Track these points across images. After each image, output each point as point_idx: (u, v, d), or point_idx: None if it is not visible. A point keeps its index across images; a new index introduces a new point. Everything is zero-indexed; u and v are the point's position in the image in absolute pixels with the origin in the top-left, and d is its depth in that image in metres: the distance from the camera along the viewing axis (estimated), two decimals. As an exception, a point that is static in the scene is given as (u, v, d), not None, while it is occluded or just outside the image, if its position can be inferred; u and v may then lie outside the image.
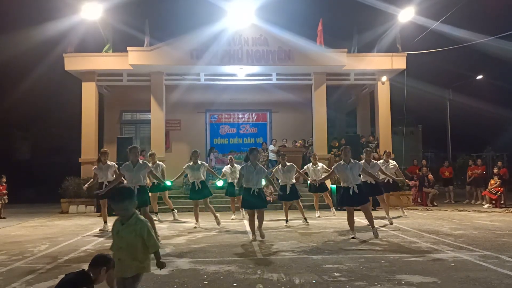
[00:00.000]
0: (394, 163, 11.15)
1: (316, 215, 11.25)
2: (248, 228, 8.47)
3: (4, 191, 12.70)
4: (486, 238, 7.67)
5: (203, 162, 10.02)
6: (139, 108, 17.65)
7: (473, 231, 8.53)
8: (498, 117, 27.49)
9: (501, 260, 5.85)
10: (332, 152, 15.89)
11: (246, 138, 18.56)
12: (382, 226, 9.26)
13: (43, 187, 17.75)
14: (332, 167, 8.41)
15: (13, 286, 4.90)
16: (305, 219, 9.79)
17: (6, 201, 12.76)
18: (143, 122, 17.79)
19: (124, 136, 16.63)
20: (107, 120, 17.90)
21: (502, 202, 13.89)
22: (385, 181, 10.62)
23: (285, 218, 9.96)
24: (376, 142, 16.02)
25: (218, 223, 9.43)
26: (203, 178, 9.60)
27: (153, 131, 15.31)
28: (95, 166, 9.68)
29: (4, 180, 12.78)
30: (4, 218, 12.25)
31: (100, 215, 11.66)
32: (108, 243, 7.66)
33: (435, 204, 14.43)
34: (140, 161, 7.79)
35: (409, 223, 9.84)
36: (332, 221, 10.23)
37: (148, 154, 11.25)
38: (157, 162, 10.53)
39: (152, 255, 3.49)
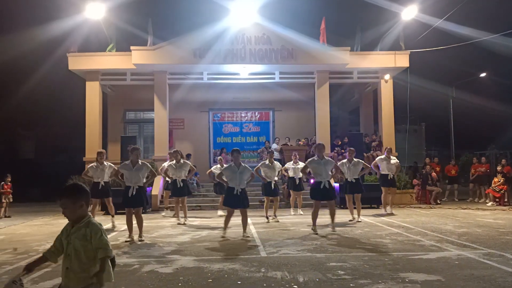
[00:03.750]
0: (396, 159, 11.57)
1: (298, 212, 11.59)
2: (253, 228, 8.51)
3: (9, 190, 12.77)
4: (490, 236, 7.66)
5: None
6: (142, 107, 17.72)
7: (477, 229, 8.51)
8: (502, 114, 27.37)
9: (505, 258, 5.84)
10: (335, 151, 15.88)
11: (249, 137, 18.59)
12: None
13: (47, 186, 17.82)
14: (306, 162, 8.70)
15: (19, 284, 4.93)
16: (276, 216, 10.29)
17: (11, 200, 12.83)
18: (147, 121, 17.86)
19: (128, 135, 16.69)
20: (111, 119, 17.97)
21: (506, 200, 13.85)
22: (389, 177, 11.26)
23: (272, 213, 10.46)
24: (378, 140, 16.00)
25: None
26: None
27: (157, 130, 15.36)
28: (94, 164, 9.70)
29: (9, 179, 12.84)
30: (9, 217, 12.32)
31: (104, 214, 11.80)
32: (113, 241, 7.70)
33: (439, 202, 14.42)
34: (140, 162, 7.89)
35: (413, 221, 9.84)
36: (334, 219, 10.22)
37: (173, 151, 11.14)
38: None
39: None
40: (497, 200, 13.82)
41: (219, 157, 12.38)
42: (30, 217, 12.18)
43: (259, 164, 10.65)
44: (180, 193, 10.14)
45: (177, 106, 16.83)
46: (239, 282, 4.86)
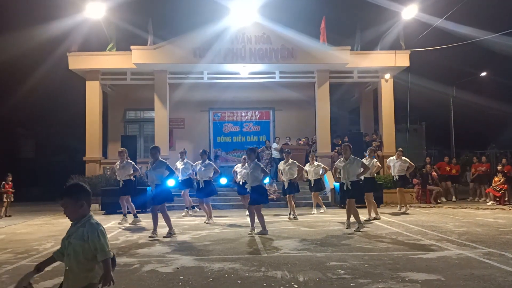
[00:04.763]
0: (407, 160, 11.57)
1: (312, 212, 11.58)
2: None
3: (11, 190, 12.78)
4: (490, 236, 7.66)
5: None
6: (142, 107, 17.72)
7: (477, 229, 8.52)
8: (502, 114, 27.37)
9: (505, 258, 5.85)
10: (336, 150, 15.88)
11: (250, 136, 18.59)
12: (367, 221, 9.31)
13: (47, 185, 17.83)
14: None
15: (19, 284, 4.94)
16: (290, 214, 10.31)
17: (12, 199, 12.84)
18: (147, 121, 17.86)
19: (128, 134, 16.69)
20: (111, 118, 17.97)
21: (506, 199, 13.86)
22: (395, 179, 11.52)
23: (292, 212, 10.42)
24: (379, 140, 15.99)
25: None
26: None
27: (157, 130, 15.36)
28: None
29: (10, 178, 12.86)
30: (9, 216, 12.33)
31: (105, 213, 11.81)
32: (113, 240, 7.71)
33: (439, 201, 14.43)
34: (158, 161, 8.00)
35: (413, 221, 9.84)
36: (335, 218, 10.24)
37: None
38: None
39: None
40: (497, 199, 13.82)
41: (243, 156, 12.30)
42: (30, 216, 12.18)
43: (279, 164, 10.78)
44: (202, 194, 10.12)
45: (177, 105, 16.82)
46: (239, 282, 4.87)
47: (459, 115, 24.96)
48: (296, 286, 4.67)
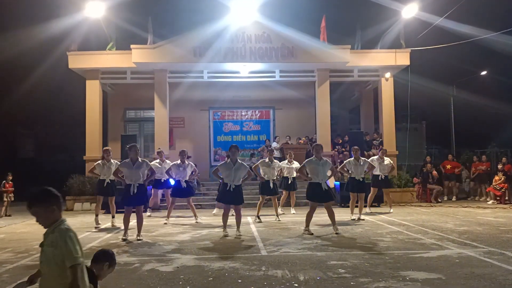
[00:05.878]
0: (389, 160, 11.60)
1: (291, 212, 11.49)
2: (253, 225, 8.51)
3: (11, 189, 12.78)
4: (490, 235, 7.66)
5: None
6: (142, 106, 17.71)
7: (478, 228, 8.51)
8: (503, 113, 27.32)
9: (506, 256, 5.84)
10: (336, 149, 15.90)
11: (250, 136, 18.59)
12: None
13: (47, 185, 17.84)
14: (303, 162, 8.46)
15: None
16: (277, 216, 10.18)
17: (12, 198, 12.84)
18: (147, 120, 17.85)
19: (128, 133, 16.68)
20: (111, 118, 17.96)
21: (507, 198, 13.85)
22: (379, 178, 11.33)
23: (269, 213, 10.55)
24: (380, 139, 15.99)
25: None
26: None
27: (157, 129, 15.35)
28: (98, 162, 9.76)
29: (10, 178, 12.86)
30: (9, 215, 12.32)
31: (105, 212, 11.80)
32: (114, 240, 7.70)
33: (439, 200, 14.43)
34: (140, 159, 7.82)
35: (414, 220, 9.84)
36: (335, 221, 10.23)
37: (155, 152, 11.30)
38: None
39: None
40: (497, 198, 13.82)
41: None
42: (30, 216, 12.10)
43: (258, 162, 10.55)
44: (183, 194, 10.10)
45: (177, 104, 16.81)
46: (239, 281, 4.86)
47: (459, 114, 24.96)
48: (296, 285, 4.66)
